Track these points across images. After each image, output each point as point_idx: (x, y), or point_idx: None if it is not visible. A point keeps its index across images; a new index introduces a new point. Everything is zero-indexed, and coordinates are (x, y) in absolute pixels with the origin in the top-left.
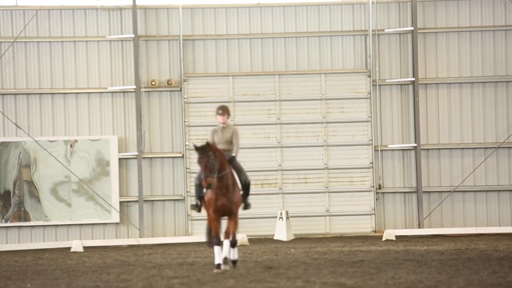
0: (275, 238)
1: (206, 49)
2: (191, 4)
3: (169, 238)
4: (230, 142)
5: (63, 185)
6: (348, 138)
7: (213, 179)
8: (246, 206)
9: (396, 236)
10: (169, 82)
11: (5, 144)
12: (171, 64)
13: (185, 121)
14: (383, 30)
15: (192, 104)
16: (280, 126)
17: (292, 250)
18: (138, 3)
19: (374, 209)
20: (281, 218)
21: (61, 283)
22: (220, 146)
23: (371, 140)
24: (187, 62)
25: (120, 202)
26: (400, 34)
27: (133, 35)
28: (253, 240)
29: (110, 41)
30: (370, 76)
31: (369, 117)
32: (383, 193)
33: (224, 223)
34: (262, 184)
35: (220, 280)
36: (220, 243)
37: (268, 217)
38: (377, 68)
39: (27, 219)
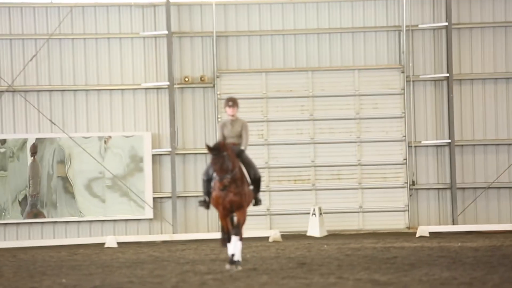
0: (308, 234)
1: (239, 45)
2: (224, 0)
3: (202, 234)
4: (239, 136)
5: (97, 181)
6: (381, 134)
7: (228, 180)
8: (257, 202)
9: (430, 233)
10: (202, 79)
11: (40, 141)
12: (204, 61)
13: (218, 117)
14: (417, 25)
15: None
16: (313, 122)
17: (325, 246)
18: (172, 0)
19: (408, 205)
20: (314, 214)
21: (96, 278)
22: (230, 140)
23: (405, 136)
24: (220, 58)
25: (154, 198)
26: (434, 29)
27: (166, 32)
28: (286, 236)
29: (144, 37)
30: (403, 72)
31: (403, 113)
32: (416, 189)
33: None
34: (295, 180)
35: (253, 276)
36: (229, 240)
37: (301, 213)
38: (410, 64)
39: (40, 216)
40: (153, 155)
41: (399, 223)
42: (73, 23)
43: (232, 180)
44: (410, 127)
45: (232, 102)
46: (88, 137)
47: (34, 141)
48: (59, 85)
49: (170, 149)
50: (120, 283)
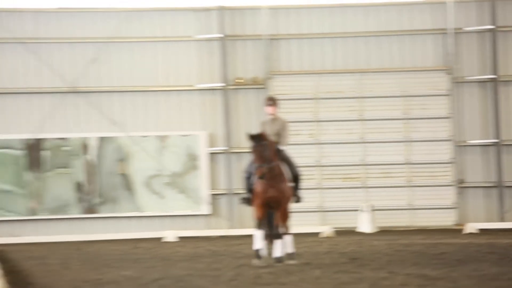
0: (359, 230)
1: (290, 47)
2: (275, 4)
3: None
4: (279, 134)
5: (156, 179)
6: (428, 134)
7: (266, 168)
8: (298, 200)
9: (478, 230)
10: (255, 80)
11: (101, 140)
12: (257, 62)
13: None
14: (463, 28)
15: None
16: (363, 122)
17: (376, 242)
18: (224, 4)
19: (456, 203)
20: (365, 211)
21: (156, 271)
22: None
23: (452, 136)
24: (271, 60)
25: (210, 194)
26: (479, 32)
27: (220, 35)
28: (338, 232)
29: (198, 40)
30: (450, 74)
31: (449, 113)
32: (464, 187)
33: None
34: (346, 178)
35: (307, 270)
36: (263, 229)
37: (352, 210)
38: (457, 66)
39: (95, 212)
40: (209, 154)
41: (447, 220)
42: (131, 27)
43: (272, 175)
44: (456, 127)
45: (272, 101)
46: (147, 136)
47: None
48: (118, 86)
49: (225, 148)
50: (179, 276)
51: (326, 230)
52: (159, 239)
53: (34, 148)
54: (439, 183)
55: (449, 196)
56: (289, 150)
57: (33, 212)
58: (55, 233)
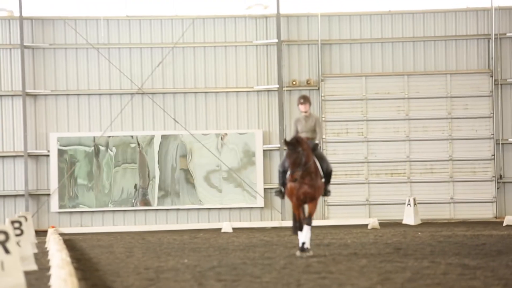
0: (403, 222)
1: (341, 52)
2: (329, 12)
3: None
4: (313, 131)
5: (215, 173)
6: (471, 133)
7: (299, 173)
8: (326, 193)
9: None
10: (308, 82)
11: (165, 137)
12: (310, 66)
13: (322, 117)
14: (505, 34)
15: (329, 101)
16: (409, 121)
17: (419, 233)
18: (281, 11)
19: (495, 197)
20: (409, 204)
21: (214, 259)
22: (304, 135)
23: (493, 134)
24: (324, 64)
25: (265, 188)
26: None
27: (276, 40)
28: (383, 224)
29: (257, 45)
30: (492, 76)
31: (491, 113)
32: (504, 182)
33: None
34: (392, 173)
35: (354, 259)
36: (300, 229)
37: (397, 203)
38: (499, 69)
39: (147, 204)
40: (264, 151)
41: (487, 213)
42: (194, 33)
43: (307, 173)
44: (498, 126)
45: (304, 99)
46: (207, 134)
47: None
48: (182, 88)
49: (279, 145)
50: (235, 264)
51: (372, 222)
52: (216, 229)
53: (103, 144)
54: (480, 178)
55: (489, 190)
56: (340, 147)
57: (101, 204)
58: (120, 224)
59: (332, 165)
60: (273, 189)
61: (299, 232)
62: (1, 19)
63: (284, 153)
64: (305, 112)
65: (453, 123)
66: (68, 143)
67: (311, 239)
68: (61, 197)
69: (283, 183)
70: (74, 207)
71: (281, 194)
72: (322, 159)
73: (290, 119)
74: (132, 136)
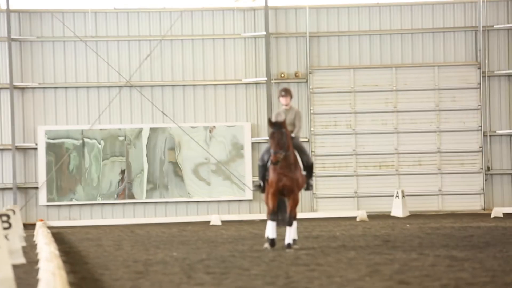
0: (392, 214)
1: (330, 44)
2: (317, 4)
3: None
4: (292, 124)
5: (203, 166)
6: (459, 125)
7: (281, 155)
8: (308, 187)
9: (504, 214)
10: (297, 74)
11: (153, 130)
12: (298, 58)
13: (310, 109)
14: (493, 26)
15: (317, 94)
16: (397, 114)
17: (408, 225)
18: (269, 4)
19: (483, 189)
20: (398, 196)
21: (202, 252)
22: None
23: (480, 126)
24: (312, 56)
25: (253, 181)
26: (508, 29)
27: (265, 33)
28: (372, 216)
29: (245, 38)
30: (479, 68)
31: (479, 105)
32: (491, 174)
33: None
34: (380, 166)
35: (342, 251)
36: (276, 219)
37: (385, 195)
38: (486, 61)
39: (131, 197)
40: (252, 143)
41: (475, 205)
42: (182, 25)
43: (286, 164)
44: (485, 118)
45: (285, 92)
46: (195, 127)
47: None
48: (170, 80)
49: (267, 138)
50: (223, 257)
51: (361, 214)
52: (205, 222)
53: (92, 137)
54: (468, 170)
55: (477, 182)
56: (328, 140)
57: (90, 197)
58: (109, 217)
59: (321, 157)
60: None
61: (269, 221)
62: None
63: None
64: (286, 105)
65: (441, 115)
66: (56, 136)
67: (299, 232)
68: (49, 190)
69: (263, 176)
70: (62, 200)
71: (260, 188)
72: (302, 151)
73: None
74: (120, 129)
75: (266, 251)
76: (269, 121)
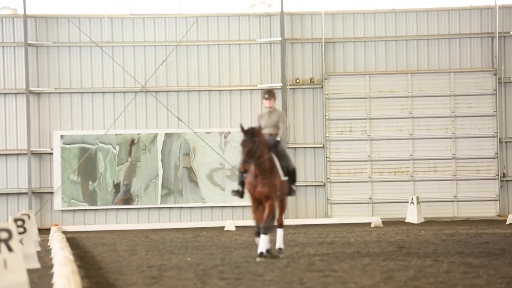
0: (406, 220)
1: (345, 50)
2: (332, 10)
3: (311, 220)
4: (276, 126)
5: (218, 172)
6: (474, 131)
7: (250, 165)
8: (290, 192)
9: None
10: (312, 80)
11: (168, 135)
12: (314, 64)
13: (325, 115)
14: (509, 32)
15: (332, 100)
16: (412, 120)
17: (422, 232)
18: (285, 10)
19: (499, 195)
20: (413, 202)
21: (217, 257)
22: (267, 130)
23: (496, 132)
24: (328, 62)
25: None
26: None
27: (280, 38)
28: (386, 222)
29: (260, 44)
30: (495, 75)
31: (495, 111)
32: (507, 181)
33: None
34: (395, 172)
35: (357, 258)
36: (265, 232)
37: (400, 201)
38: (502, 67)
39: (130, 203)
40: None
41: (490, 211)
42: (198, 31)
43: (261, 170)
44: (501, 124)
45: (268, 94)
46: (210, 132)
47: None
48: (185, 86)
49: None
50: (237, 262)
51: (375, 220)
52: (219, 228)
53: (107, 142)
54: (483, 176)
55: (492, 189)
56: (343, 146)
57: (104, 202)
58: (124, 222)
59: (336, 163)
60: None
61: (256, 239)
62: (5, 17)
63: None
64: (270, 107)
65: (456, 121)
66: (72, 141)
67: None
68: (64, 195)
69: (241, 181)
70: (77, 205)
71: (238, 193)
72: (283, 157)
73: (293, 117)
74: (135, 134)
75: (279, 258)
76: (241, 128)
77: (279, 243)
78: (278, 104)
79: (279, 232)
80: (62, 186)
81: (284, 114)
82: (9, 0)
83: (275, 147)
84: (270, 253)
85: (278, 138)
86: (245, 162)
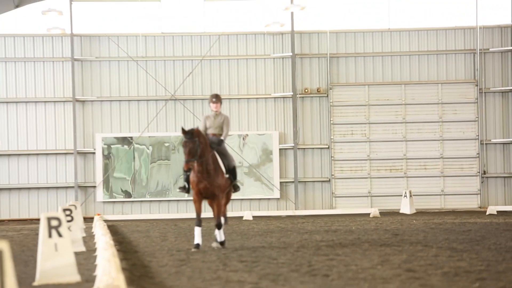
0: (400, 211)
1: (347, 64)
2: (336, 29)
3: (318, 211)
4: (220, 127)
5: (237, 169)
6: (459, 134)
7: (193, 163)
8: (235, 189)
9: (497, 211)
10: (319, 90)
11: None
12: (320, 76)
13: (330, 120)
14: (488, 49)
15: (336, 107)
16: (405, 124)
17: (414, 221)
18: (295, 29)
19: (480, 190)
20: (406, 196)
21: (236, 243)
22: (211, 130)
23: (478, 135)
24: (332, 74)
25: (280, 182)
26: (502, 52)
27: (291, 54)
28: (383, 213)
29: (274, 58)
30: (477, 85)
31: (476, 117)
32: (487, 177)
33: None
34: (391, 169)
35: (358, 244)
36: (200, 225)
37: (395, 195)
38: (483, 79)
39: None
40: (280, 149)
41: (472, 203)
42: (220, 47)
43: (205, 169)
44: (482, 128)
45: (216, 98)
46: (230, 135)
47: None
48: (209, 95)
49: (293, 145)
50: (254, 247)
51: (374, 211)
52: (238, 217)
53: (141, 143)
54: (467, 173)
55: (474, 184)
56: (346, 147)
57: (140, 195)
58: (156, 212)
59: (340, 162)
60: (288, 183)
61: (195, 228)
62: (55, 36)
63: (295, 151)
64: (216, 111)
65: (443, 126)
66: (111, 142)
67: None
68: (105, 189)
69: (187, 178)
70: (116, 197)
71: (185, 189)
72: (224, 155)
73: (302, 122)
74: (165, 137)
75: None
76: (182, 130)
77: (222, 236)
78: (289, 111)
79: (218, 231)
80: (103, 181)
81: (228, 118)
82: (58, 22)
83: (219, 145)
84: (223, 245)
85: (222, 138)
86: (187, 161)
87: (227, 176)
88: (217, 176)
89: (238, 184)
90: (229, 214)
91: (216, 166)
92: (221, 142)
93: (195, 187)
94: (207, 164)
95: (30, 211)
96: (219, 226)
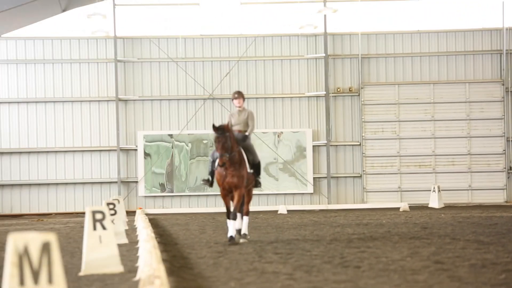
0: (429, 206)
1: (378, 64)
2: (367, 31)
3: (349, 205)
4: (245, 124)
5: (273, 165)
6: (485, 132)
7: (227, 158)
8: (257, 184)
9: None
10: (350, 89)
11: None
12: (352, 76)
13: (362, 118)
14: None
15: (368, 105)
16: (434, 122)
17: (442, 215)
18: (328, 31)
19: (506, 185)
20: (434, 191)
21: (272, 236)
22: (237, 127)
23: (504, 133)
24: (364, 74)
25: (314, 177)
26: None
27: (324, 55)
28: (412, 207)
29: (307, 59)
30: (503, 85)
31: (502, 115)
32: None
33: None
34: (420, 165)
35: (388, 236)
36: (232, 218)
37: (424, 190)
38: (509, 79)
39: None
40: (313, 146)
41: (499, 198)
42: (256, 49)
43: (231, 163)
44: (508, 126)
45: (238, 94)
46: (266, 132)
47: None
48: (245, 94)
49: (325, 142)
50: (289, 240)
51: (403, 205)
52: (273, 211)
53: (181, 141)
54: (493, 169)
55: (500, 179)
56: (377, 144)
57: (179, 190)
58: (195, 206)
59: (371, 158)
60: (321, 178)
61: (227, 221)
62: (99, 39)
63: (328, 148)
64: (239, 106)
65: (471, 123)
66: (152, 140)
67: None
68: (147, 184)
69: (211, 171)
70: (157, 192)
71: (208, 182)
72: (249, 151)
73: (335, 120)
74: (204, 134)
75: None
76: (213, 126)
77: (244, 229)
78: (322, 110)
79: (245, 219)
80: (145, 177)
81: (253, 113)
82: (102, 25)
83: (244, 140)
84: (245, 238)
85: (247, 133)
86: (222, 156)
87: (251, 171)
88: (241, 170)
89: (260, 180)
90: (265, 208)
91: (241, 161)
92: (245, 138)
93: (221, 183)
94: (234, 159)
95: (75, 205)
96: (234, 216)
